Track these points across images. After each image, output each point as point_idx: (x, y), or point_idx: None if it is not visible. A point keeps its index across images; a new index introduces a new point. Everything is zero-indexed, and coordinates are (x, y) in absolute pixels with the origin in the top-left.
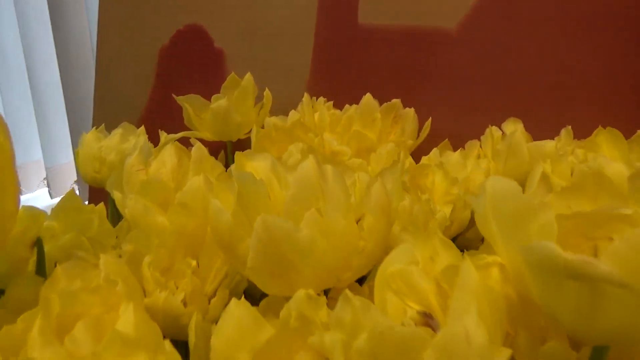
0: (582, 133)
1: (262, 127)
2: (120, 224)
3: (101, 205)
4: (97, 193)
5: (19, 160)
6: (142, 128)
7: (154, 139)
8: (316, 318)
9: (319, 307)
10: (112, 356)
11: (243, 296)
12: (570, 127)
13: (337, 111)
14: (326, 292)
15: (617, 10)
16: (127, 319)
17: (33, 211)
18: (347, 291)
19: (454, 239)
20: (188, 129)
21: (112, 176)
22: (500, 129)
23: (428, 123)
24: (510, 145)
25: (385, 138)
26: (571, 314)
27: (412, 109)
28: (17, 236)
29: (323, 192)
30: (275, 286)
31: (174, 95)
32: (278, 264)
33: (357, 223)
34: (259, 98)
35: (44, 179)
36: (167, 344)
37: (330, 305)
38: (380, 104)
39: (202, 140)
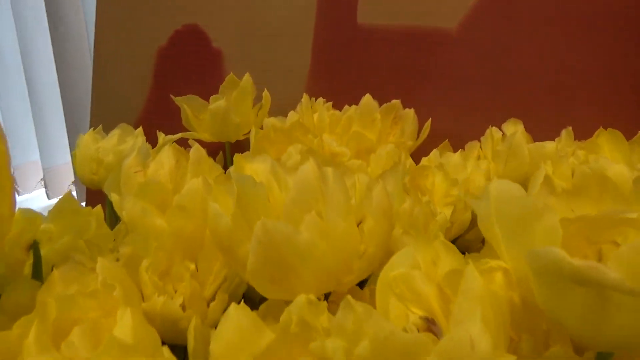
0: (582, 133)
1: (261, 128)
2: (117, 226)
3: (99, 207)
4: (94, 194)
5: (16, 161)
6: (140, 129)
7: (152, 140)
8: (317, 323)
9: (319, 313)
10: None
11: (242, 300)
12: (570, 128)
13: (337, 112)
14: (327, 296)
15: (617, 10)
16: (124, 324)
17: (29, 214)
18: (349, 297)
19: (454, 241)
20: (186, 130)
21: (110, 178)
22: (501, 129)
23: (428, 124)
24: (511, 146)
25: (385, 139)
26: (576, 320)
27: (412, 110)
28: (13, 239)
29: (323, 194)
30: (275, 290)
31: (172, 96)
32: (278, 267)
33: (357, 226)
34: (257, 99)
35: (41, 179)
36: (166, 350)
37: (331, 309)
38: (380, 104)
39: (200, 141)
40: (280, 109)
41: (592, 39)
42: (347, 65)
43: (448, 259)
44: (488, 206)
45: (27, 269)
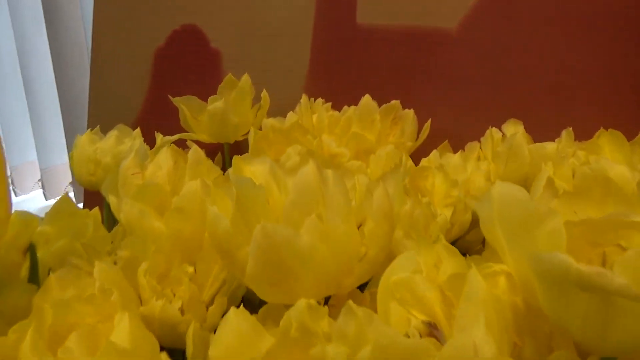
0: (582, 133)
1: (260, 129)
2: (115, 228)
3: (96, 210)
4: (92, 195)
5: (13, 162)
6: (138, 130)
7: (150, 141)
8: (317, 328)
9: (320, 317)
10: None
11: (242, 303)
12: (571, 128)
13: (336, 112)
14: (327, 299)
15: (617, 10)
16: (122, 330)
17: (26, 216)
18: (351, 302)
19: (454, 242)
20: (184, 131)
21: (108, 180)
22: (500, 130)
23: (427, 124)
24: (511, 147)
25: (385, 140)
26: (580, 324)
27: (412, 110)
28: (9, 241)
29: (323, 197)
30: (275, 294)
31: (170, 97)
32: (278, 271)
33: (358, 228)
34: (256, 99)
35: (39, 180)
36: (164, 356)
37: (331, 312)
38: (379, 105)
39: (198, 142)
40: (279, 110)
41: (592, 39)
42: (346, 65)
43: (450, 262)
44: (491, 209)
45: (24, 272)
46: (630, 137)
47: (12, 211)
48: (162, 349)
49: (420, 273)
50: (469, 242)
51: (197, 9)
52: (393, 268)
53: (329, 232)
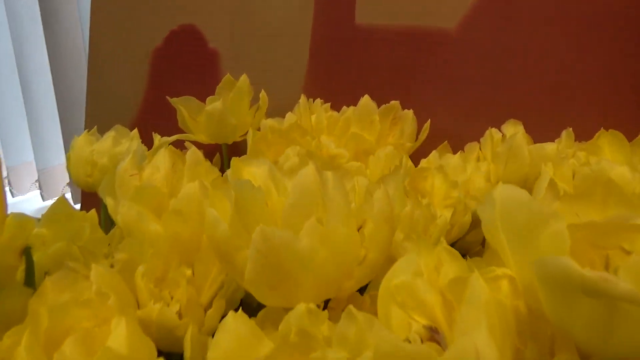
0: (582, 134)
1: (258, 130)
2: (112, 230)
3: (93, 212)
4: (90, 195)
5: (10, 162)
6: (135, 131)
7: (148, 142)
8: (317, 333)
9: (320, 322)
10: None
11: (240, 306)
12: (571, 129)
13: (335, 113)
14: (326, 302)
15: (617, 10)
16: (119, 334)
17: (22, 218)
18: (351, 307)
19: (453, 243)
20: (182, 131)
21: (105, 181)
22: (500, 130)
23: (427, 125)
24: (511, 148)
25: (384, 140)
26: (583, 329)
27: (411, 111)
28: (4, 244)
29: (323, 199)
30: (274, 298)
31: (167, 97)
32: (277, 275)
33: (357, 230)
34: (254, 100)
35: (36, 181)
36: None
37: (331, 315)
38: (379, 105)
39: (196, 143)
40: (277, 110)
41: (592, 39)
42: (345, 65)
43: (451, 265)
44: (493, 212)
45: (19, 275)
46: (630, 137)
47: (9, 213)
48: (159, 353)
49: (421, 276)
50: (468, 243)
51: (195, 9)
52: (394, 271)
53: (329, 235)
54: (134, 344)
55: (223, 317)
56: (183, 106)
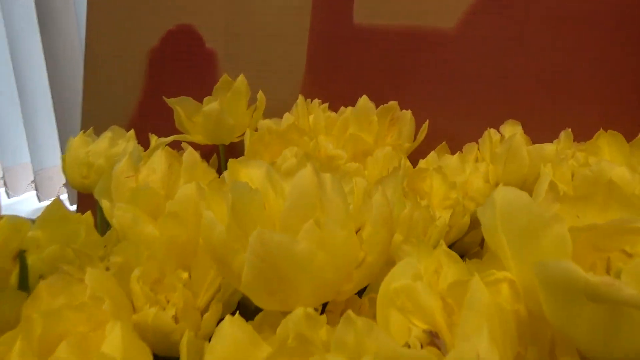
0: (581, 134)
1: (256, 130)
2: (108, 233)
3: (88, 214)
4: (86, 196)
5: (6, 163)
6: (132, 132)
7: (145, 142)
8: (315, 337)
9: (318, 326)
10: None
11: (237, 310)
12: (569, 129)
13: (333, 114)
14: (324, 305)
15: (617, 10)
16: (113, 339)
17: (16, 220)
18: (350, 312)
19: (451, 244)
20: (179, 132)
21: (100, 183)
22: (499, 131)
23: (425, 125)
24: (510, 148)
25: (382, 141)
26: (586, 333)
27: (409, 111)
28: None
29: (321, 202)
30: (271, 302)
31: (164, 98)
32: (275, 279)
33: (356, 233)
34: (252, 100)
35: (32, 182)
36: None
37: (329, 318)
38: (377, 106)
39: (193, 144)
40: (275, 111)
41: (590, 39)
42: (343, 66)
43: (451, 268)
44: (493, 215)
45: (13, 278)
46: (630, 138)
47: (3, 215)
48: (155, 358)
49: (421, 280)
50: (466, 244)
51: (192, 9)
52: (393, 275)
53: (327, 238)
54: (129, 348)
55: (220, 320)
56: (180, 107)
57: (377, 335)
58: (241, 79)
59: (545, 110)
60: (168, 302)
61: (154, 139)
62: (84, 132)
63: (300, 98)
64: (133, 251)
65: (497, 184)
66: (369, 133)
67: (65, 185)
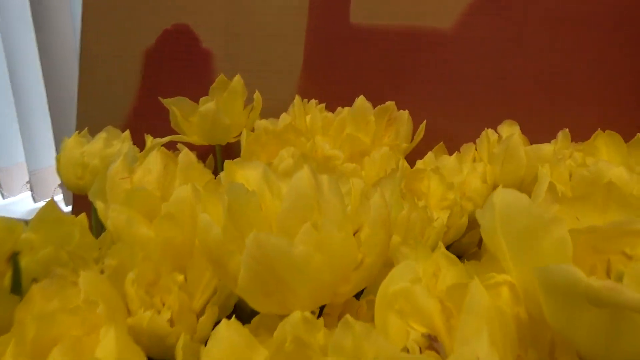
0: (578, 134)
1: (252, 131)
2: (103, 235)
3: (83, 216)
4: (81, 198)
5: (1, 164)
6: (127, 132)
7: (140, 143)
8: (313, 341)
9: (315, 330)
10: None
11: (234, 313)
12: (567, 129)
13: (330, 114)
14: (321, 308)
15: (617, 10)
16: (108, 344)
17: (9, 222)
18: (348, 316)
19: (449, 245)
20: (175, 133)
21: (95, 184)
22: (496, 131)
23: (423, 125)
24: (508, 148)
25: (379, 141)
26: (586, 337)
27: (407, 111)
28: None
29: (318, 203)
30: (268, 305)
31: (160, 98)
32: (271, 282)
33: (354, 234)
34: (248, 100)
35: (27, 182)
36: None
37: (326, 321)
38: (374, 106)
39: (190, 144)
40: (271, 111)
41: (588, 39)
42: (340, 66)
43: (449, 271)
44: (492, 217)
45: (7, 281)
46: (628, 138)
47: None
48: None
49: (419, 283)
50: (464, 245)
51: (188, 9)
52: (391, 278)
53: (325, 240)
54: (123, 352)
55: (216, 323)
56: (176, 107)
57: (375, 339)
58: (237, 79)
59: (544, 111)
60: (163, 304)
61: (149, 140)
62: (79, 133)
63: (297, 98)
64: (128, 253)
65: (494, 184)
66: (366, 133)
67: (60, 185)
